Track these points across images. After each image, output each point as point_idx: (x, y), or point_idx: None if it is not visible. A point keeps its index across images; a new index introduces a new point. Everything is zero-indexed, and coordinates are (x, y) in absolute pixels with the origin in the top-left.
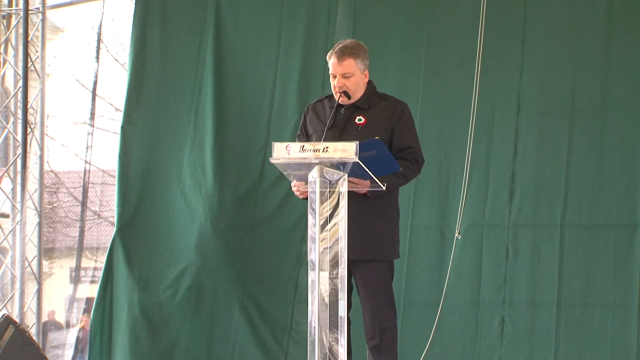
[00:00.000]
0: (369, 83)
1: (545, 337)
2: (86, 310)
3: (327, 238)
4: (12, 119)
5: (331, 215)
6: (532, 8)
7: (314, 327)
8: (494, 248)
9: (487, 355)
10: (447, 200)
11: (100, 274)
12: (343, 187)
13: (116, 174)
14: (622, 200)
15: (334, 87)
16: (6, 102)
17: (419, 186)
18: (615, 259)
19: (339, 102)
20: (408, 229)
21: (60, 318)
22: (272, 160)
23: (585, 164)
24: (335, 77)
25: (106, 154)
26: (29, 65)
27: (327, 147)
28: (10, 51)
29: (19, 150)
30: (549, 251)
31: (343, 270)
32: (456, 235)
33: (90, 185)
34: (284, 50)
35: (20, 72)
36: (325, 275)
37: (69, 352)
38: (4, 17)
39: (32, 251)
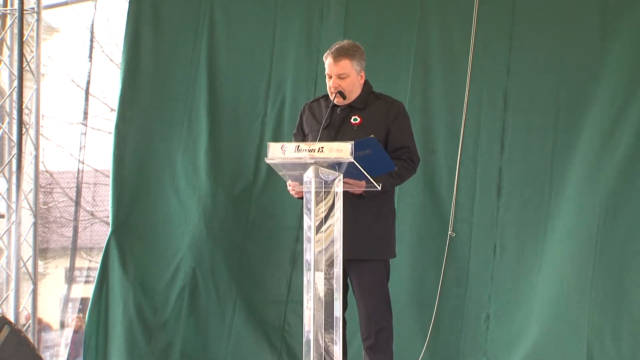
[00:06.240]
0: (366, 83)
1: (529, 334)
2: (81, 310)
3: (323, 238)
4: (7, 119)
5: (327, 216)
6: (520, 4)
7: (310, 327)
8: (483, 245)
9: (472, 352)
10: (434, 198)
11: (94, 274)
12: (338, 187)
13: (110, 173)
14: (609, 196)
15: (330, 87)
16: (1, 102)
17: (406, 183)
18: (601, 254)
19: (335, 102)
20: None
21: (55, 318)
22: (268, 161)
23: (570, 160)
24: (331, 77)
25: (101, 154)
26: (24, 65)
27: (322, 147)
28: (5, 51)
29: (14, 151)
30: (534, 247)
31: (338, 270)
32: (449, 232)
33: (84, 185)
34: (278, 49)
35: (15, 72)
36: (320, 275)
37: (64, 353)
38: None
39: (27, 251)
